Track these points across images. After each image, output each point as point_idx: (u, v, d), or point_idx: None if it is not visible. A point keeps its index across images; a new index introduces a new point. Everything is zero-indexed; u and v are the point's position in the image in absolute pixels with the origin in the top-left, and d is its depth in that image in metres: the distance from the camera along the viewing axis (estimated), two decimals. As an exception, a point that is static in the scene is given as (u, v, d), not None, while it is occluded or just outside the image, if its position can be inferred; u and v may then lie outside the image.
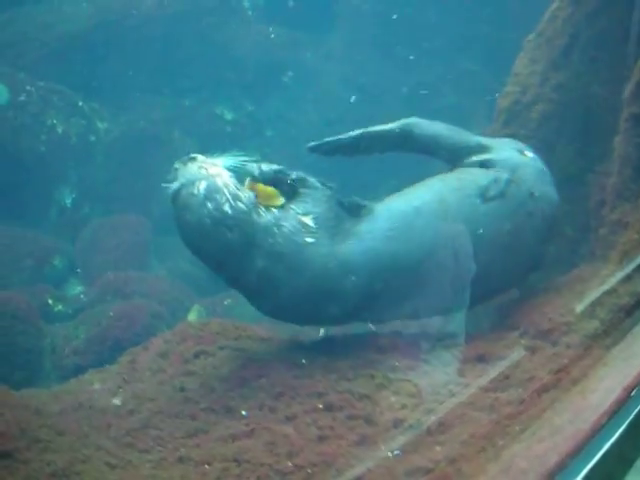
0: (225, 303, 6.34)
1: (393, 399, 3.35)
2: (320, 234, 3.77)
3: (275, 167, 3.93)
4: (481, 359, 3.62)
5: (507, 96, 4.82)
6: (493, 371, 3.47)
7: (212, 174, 3.74)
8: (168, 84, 8.13)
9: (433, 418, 3.17)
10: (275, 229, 3.72)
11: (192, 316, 6.32)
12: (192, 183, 3.72)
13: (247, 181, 3.88)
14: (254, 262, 3.71)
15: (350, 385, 3.50)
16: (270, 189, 3.87)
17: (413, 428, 3.13)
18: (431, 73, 7.78)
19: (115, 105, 8.04)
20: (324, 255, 3.76)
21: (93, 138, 7.82)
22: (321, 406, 3.38)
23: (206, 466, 3.03)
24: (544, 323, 3.74)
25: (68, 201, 7.51)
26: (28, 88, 7.53)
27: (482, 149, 4.21)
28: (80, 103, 7.82)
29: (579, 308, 3.72)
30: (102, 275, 6.63)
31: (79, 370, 4.59)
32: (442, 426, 3.11)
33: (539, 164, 4.21)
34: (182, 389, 3.66)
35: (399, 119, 4.26)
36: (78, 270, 6.98)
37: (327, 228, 3.80)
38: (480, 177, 4.06)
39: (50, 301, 6.39)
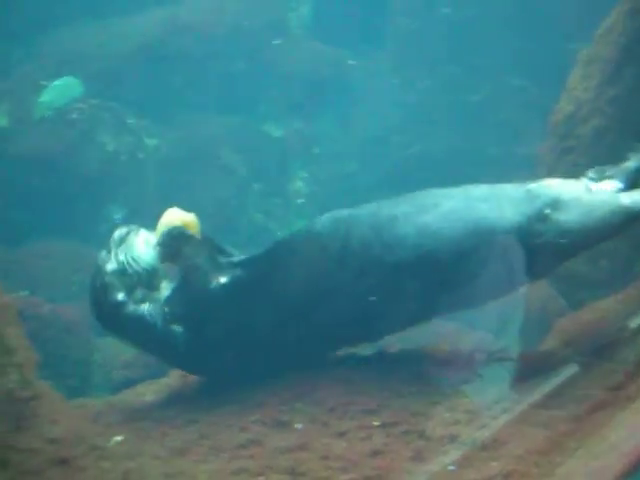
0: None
1: (447, 415, 3.33)
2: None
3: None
4: (535, 375, 3.58)
5: (561, 111, 4.79)
6: (547, 387, 3.43)
7: (104, 266, 3.87)
8: (216, 101, 8.20)
9: (488, 434, 3.15)
10: (149, 320, 3.75)
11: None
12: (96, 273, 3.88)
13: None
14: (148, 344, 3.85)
15: (404, 401, 3.49)
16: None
17: (468, 443, 3.11)
18: (480, 90, 7.77)
19: (164, 122, 8.12)
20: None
21: (142, 155, 7.89)
22: (375, 422, 3.38)
23: (261, 477, 3.04)
24: (598, 339, 3.70)
25: (118, 217, 7.57)
26: (80, 105, 7.64)
27: None
28: (130, 120, 7.91)
29: (633, 324, 3.68)
30: (151, 290, 6.67)
31: (129, 383, 4.62)
32: (497, 442, 3.08)
33: None
34: (234, 401, 3.67)
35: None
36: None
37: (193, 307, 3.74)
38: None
39: (100, 315, 6.45)
